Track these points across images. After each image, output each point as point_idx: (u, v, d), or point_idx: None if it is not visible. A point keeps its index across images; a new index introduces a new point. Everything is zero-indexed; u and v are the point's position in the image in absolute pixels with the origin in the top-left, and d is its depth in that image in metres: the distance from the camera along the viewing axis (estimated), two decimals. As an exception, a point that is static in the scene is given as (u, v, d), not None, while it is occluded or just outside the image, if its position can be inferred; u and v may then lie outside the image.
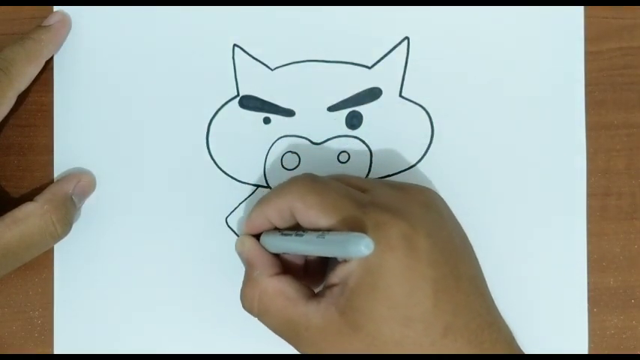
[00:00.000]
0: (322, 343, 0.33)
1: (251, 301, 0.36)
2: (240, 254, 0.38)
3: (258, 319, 0.36)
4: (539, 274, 0.41)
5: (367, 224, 0.33)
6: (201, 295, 0.41)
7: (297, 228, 0.36)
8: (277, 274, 0.36)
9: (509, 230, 0.41)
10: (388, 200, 0.35)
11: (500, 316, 0.35)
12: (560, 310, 0.41)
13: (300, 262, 0.38)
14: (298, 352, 0.35)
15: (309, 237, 0.34)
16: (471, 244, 0.36)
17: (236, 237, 0.41)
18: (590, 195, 0.42)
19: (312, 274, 0.38)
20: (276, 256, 0.37)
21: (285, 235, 0.36)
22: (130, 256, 0.41)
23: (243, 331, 0.41)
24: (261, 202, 0.37)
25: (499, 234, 0.41)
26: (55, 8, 0.41)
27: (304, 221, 0.35)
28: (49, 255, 0.41)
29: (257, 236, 0.38)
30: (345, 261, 0.34)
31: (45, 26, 0.40)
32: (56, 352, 0.41)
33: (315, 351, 0.34)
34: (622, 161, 0.42)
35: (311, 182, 0.35)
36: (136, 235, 0.41)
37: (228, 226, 0.41)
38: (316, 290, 0.36)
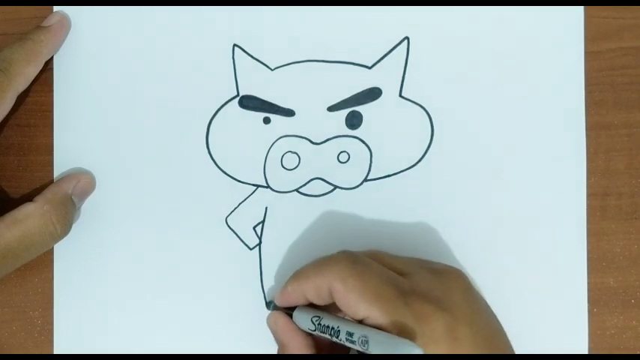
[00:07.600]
0: None
1: None
2: (273, 332, 0.38)
3: None
4: (539, 274, 0.41)
5: (410, 316, 0.33)
6: (200, 294, 0.41)
7: (331, 306, 0.35)
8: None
9: (509, 230, 0.41)
10: (429, 288, 0.35)
11: None
12: (560, 310, 0.41)
13: None
14: None
15: (348, 338, 0.33)
16: (498, 319, 0.37)
17: (236, 237, 0.41)
18: (590, 195, 0.42)
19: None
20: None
21: (321, 333, 0.35)
22: (129, 256, 0.41)
23: (243, 330, 0.41)
24: (298, 276, 0.36)
25: (499, 234, 0.41)
26: (55, 8, 0.41)
27: (342, 303, 0.34)
28: (49, 255, 0.41)
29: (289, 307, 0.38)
30: None
31: (44, 27, 0.40)
32: (56, 352, 0.41)
33: None
34: (622, 161, 0.42)
35: (352, 263, 0.35)
36: (136, 235, 0.41)
37: (228, 226, 0.41)
38: None
